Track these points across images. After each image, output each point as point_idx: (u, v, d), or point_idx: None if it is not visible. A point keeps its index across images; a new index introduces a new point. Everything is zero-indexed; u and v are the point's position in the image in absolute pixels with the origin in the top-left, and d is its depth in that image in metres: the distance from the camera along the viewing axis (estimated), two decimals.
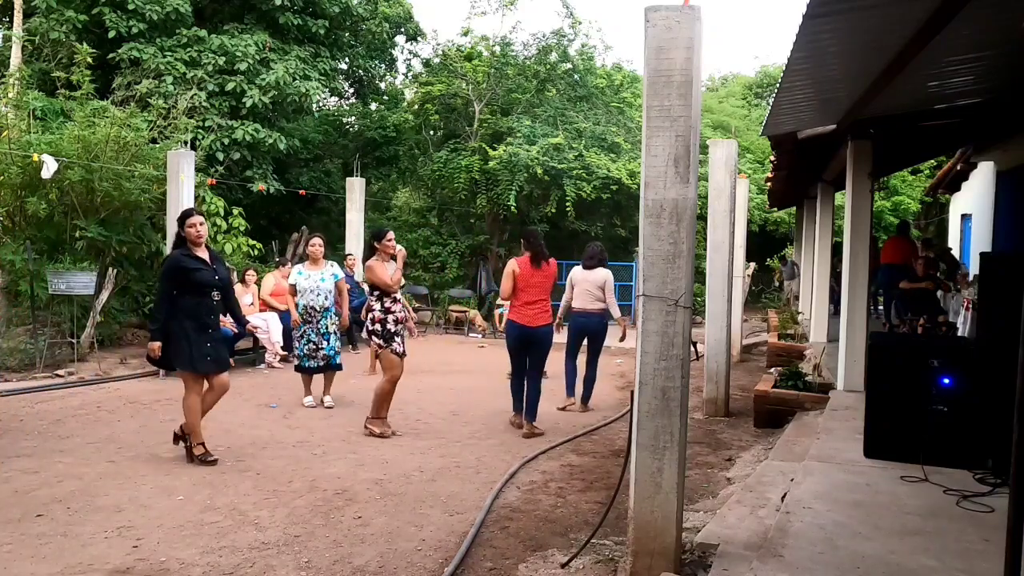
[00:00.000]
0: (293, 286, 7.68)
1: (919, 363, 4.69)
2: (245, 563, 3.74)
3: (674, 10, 3.24)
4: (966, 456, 4.56)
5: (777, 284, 19.14)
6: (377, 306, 6.27)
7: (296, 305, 7.61)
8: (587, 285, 7.40)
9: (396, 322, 6.29)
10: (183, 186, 9.94)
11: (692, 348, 4.05)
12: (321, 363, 7.53)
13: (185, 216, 5.51)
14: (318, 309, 7.51)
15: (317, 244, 7.81)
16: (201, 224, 5.47)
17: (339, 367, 7.68)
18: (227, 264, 6.15)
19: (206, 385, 5.56)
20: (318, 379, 7.65)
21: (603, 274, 7.46)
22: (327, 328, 7.52)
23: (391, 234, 6.57)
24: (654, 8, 3.26)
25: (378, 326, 6.24)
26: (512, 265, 6.73)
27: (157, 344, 5.37)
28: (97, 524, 4.23)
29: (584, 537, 3.99)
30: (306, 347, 7.52)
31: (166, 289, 5.40)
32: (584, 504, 4.77)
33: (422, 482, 5.13)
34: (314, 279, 7.59)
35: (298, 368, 7.70)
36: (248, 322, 6.19)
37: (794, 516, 3.78)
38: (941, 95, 6.26)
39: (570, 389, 7.74)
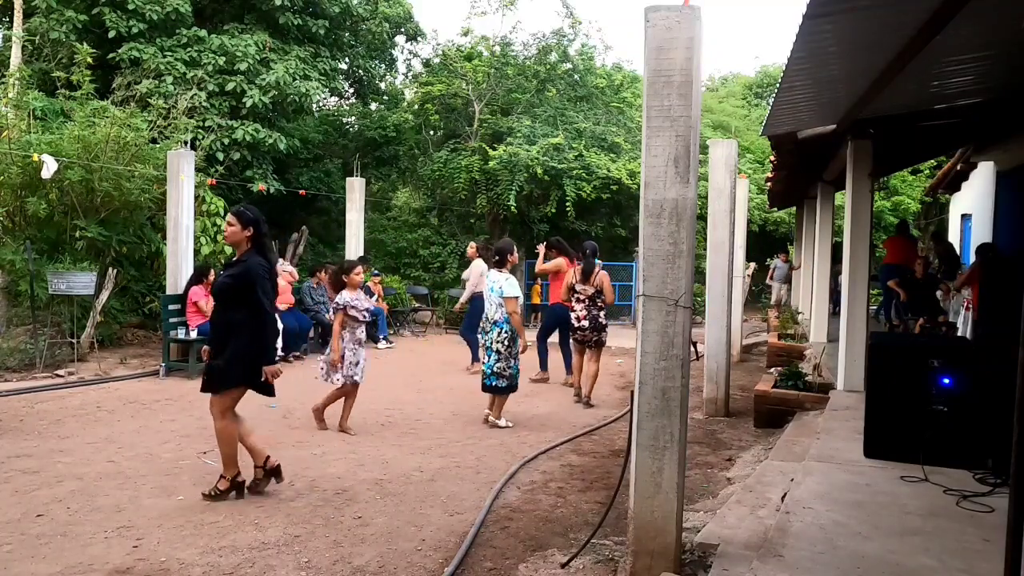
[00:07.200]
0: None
1: (919, 363, 4.69)
2: (245, 563, 3.74)
3: (674, 10, 3.24)
4: (966, 456, 4.56)
5: (769, 281, 18.28)
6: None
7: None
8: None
9: None
10: (183, 186, 9.96)
11: (692, 348, 4.05)
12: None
13: None
14: (488, 318, 6.99)
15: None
16: (229, 224, 4.70)
17: (495, 390, 6.90)
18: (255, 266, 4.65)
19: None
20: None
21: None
22: (491, 342, 6.90)
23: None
24: (654, 8, 3.26)
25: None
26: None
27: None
28: (97, 524, 4.23)
29: (584, 537, 3.99)
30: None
31: None
32: (584, 504, 4.77)
33: (422, 482, 5.13)
34: (487, 286, 7.12)
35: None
36: (273, 365, 4.99)
37: (794, 516, 3.78)
38: (941, 95, 6.26)
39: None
